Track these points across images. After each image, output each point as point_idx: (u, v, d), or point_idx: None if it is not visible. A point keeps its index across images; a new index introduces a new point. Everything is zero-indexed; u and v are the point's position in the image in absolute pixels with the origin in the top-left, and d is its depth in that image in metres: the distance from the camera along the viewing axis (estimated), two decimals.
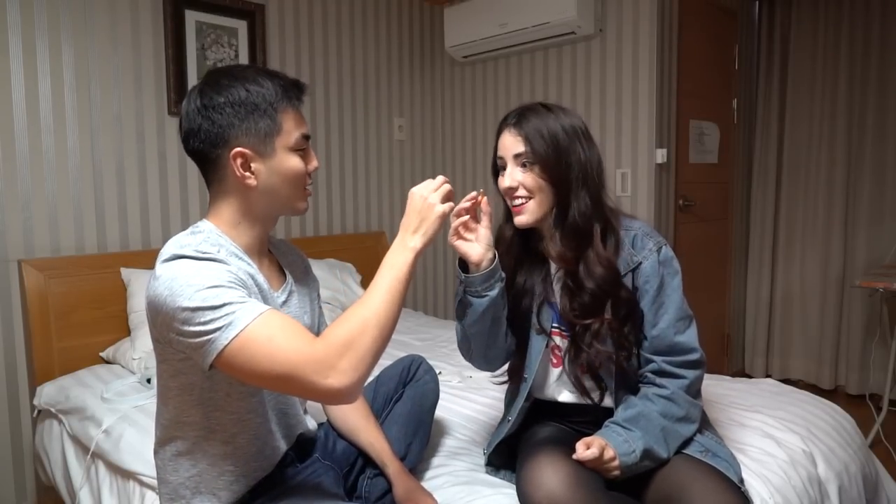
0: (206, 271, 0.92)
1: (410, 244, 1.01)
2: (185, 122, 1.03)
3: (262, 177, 1.03)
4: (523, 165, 1.19)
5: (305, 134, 1.06)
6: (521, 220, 1.21)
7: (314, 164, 1.09)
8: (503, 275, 1.22)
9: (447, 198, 1.05)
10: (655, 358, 1.20)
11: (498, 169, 1.24)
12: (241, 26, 2.58)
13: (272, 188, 1.04)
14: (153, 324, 0.97)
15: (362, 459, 1.27)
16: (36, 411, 1.99)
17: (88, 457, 1.67)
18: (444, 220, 1.04)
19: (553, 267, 1.27)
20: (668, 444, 1.15)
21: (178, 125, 1.06)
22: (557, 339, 1.28)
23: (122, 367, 2.06)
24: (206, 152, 1.03)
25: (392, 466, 1.22)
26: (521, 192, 1.19)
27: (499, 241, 1.27)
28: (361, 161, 3.11)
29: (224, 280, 0.93)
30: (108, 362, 2.14)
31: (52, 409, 1.88)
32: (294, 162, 1.04)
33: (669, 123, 2.74)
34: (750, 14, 3.38)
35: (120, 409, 1.72)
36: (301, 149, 1.05)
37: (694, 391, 1.21)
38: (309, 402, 1.30)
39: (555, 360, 1.29)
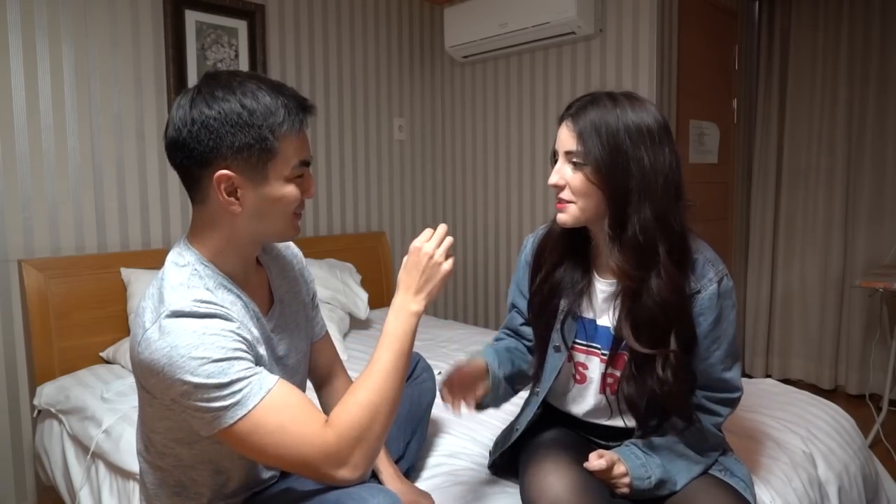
0: (209, 340, 0.85)
1: (413, 308, 0.96)
2: (171, 128, 0.91)
3: (249, 204, 0.92)
4: (574, 164, 1.07)
5: (305, 160, 0.95)
6: (561, 217, 1.12)
7: (311, 192, 0.99)
8: (500, 376, 1.19)
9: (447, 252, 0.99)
10: (697, 392, 1.14)
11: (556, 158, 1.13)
12: (241, 26, 2.58)
13: (260, 216, 0.94)
14: (144, 381, 0.90)
15: None
16: (36, 411, 1.99)
17: (88, 457, 1.67)
18: (449, 277, 1.00)
19: (599, 281, 1.17)
20: (686, 476, 1.11)
21: (164, 129, 0.94)
22: (582, 357, 1.20)
23: (122, 367, 2.06)
24: (189, 169, 0.92)
25: (385, 472, 1.21)
26: (567, 193, 1.09)
27: (549, 236, 1.22)
28: (361, 161, 3.11)
29: (230, 348, 0.86)
30: (108, 362, 2.14)
31: (53, 409, 1.88)
32: (288, 191, 0.93)
33: (669, 123, 2.73)
34: (750, 14, 3.38)
35: (120, 409, 1.71)
36: (299, 176, 0.95)
37: (721, 424, 1.18)
38: None
39: (578, 377, 1.22)
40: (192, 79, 2.43)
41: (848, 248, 3.14)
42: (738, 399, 1.18)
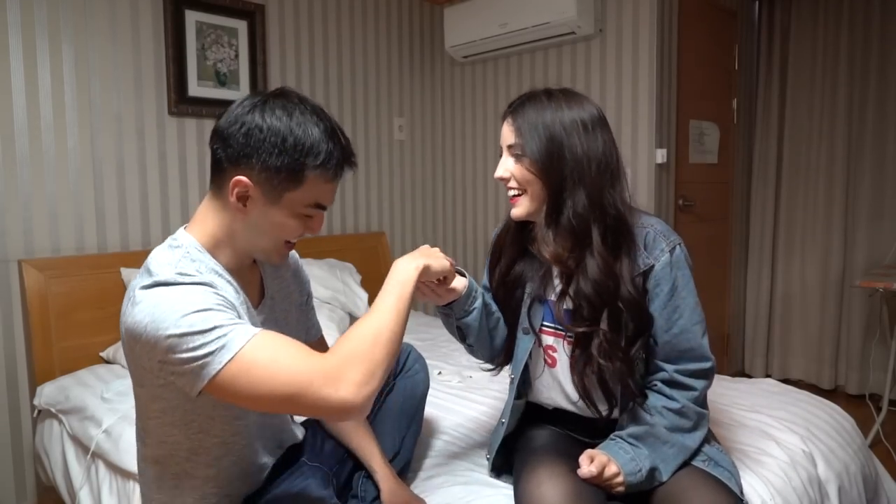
0: (190, 295, 0.86)
1: (414, 264, 1.01)
2: (225, 118, 0.95)
3: (253, 216, 0.96)
4: (516, 157, 1.15)
5: (322, 205, 0.98)
6: (514, 212, 1.18)
7: (316, 230, 1.01)
8: (477, 287, 1.25)
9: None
10: (666, 367, 1.14)
11: None
12: (241, 26, 2.58)
13: (257, 231, 0.97)
14: (130, 351, 0.91)
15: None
16: (36, 411, 1.99)
17: (88, 457, 1.67)
18: (446, 271, 1.10)
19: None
20: (673, 463, 1.11)
21: (221, 114, 0.97)
22: (550, 340, 1.23)
23: (122, 367, 2.06)
24: (219, 159, 0.96)
25: (380, 472, 1.21)
26: (513, 183, 1.16)
27: (506, 230, 1.28)
28: (361, 161, 3.11)
29: (211, 303, 0.87)
30: (108, 362, 2.14)
31: (53, 409, 1.88)
32: (290, 223, 0.97)
33: (669, 123, 2.74)
34: (750, 14, 3.38)
35: (120, 409, 1.71)
36: (308, 215, 0.99)
37: (702, 400, 1.16)
38: None
39: (549, 361, 1.24)
40: (192, 79, 2.44)
41: (848, 248, 3.14)
42: (712, 371, 1.16)
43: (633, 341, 1.12)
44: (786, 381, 2.96)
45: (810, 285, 3.26)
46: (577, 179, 1.11)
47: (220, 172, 0.97)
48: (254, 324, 0.99)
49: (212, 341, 0.83)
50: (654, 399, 1.15)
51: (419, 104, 3.39)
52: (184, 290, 0.87)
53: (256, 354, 0.84)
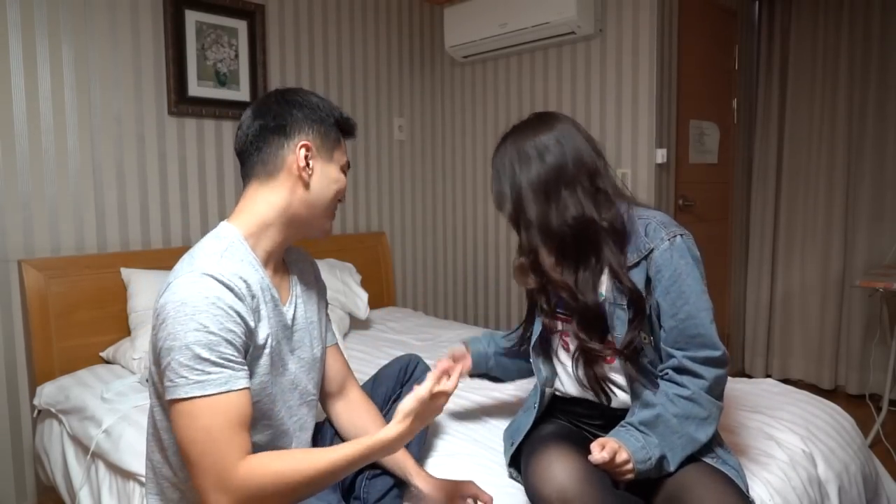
0: (214, 310, 0.92)
1: (400, 429, 0.94)
2: (259, 103, 1.10)
3: (315, 178, 1.09)
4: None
5: (349, 162, 1.16)
6: None
7: (344, 194, 1.16)
8: (486, 351, 1.48)
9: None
10: (675, 353, 1.15)
11: None
12: (241, 26, 2.58)
13: (316, 196, 1.09)
14: (154, 329, 0.97)
15: None
16: (36, 411, 1.99)
17: (88, 457, 1.67)
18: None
19: None
20: (680, 454, 1.11)
21: (250, 110, 1.11)
22: (563, 325, 1.29)
23: (122, 367, 2.06)
24: (269, 136, 1.07)
25: (412, 470, 1.20)
26: None
27: None
28: (361, 161, 3.11)
29: (227, 328, 0.94)
30: (108, 362, 2.14)
31: (52, 409, 1.88)
32: (341, 178, 1.13)
33: (669, 123, 2.74)
34: (750, 14, 3.38)
35: (120, 409, 1.71)
36: (344, 172, 1.14)
37: (717, 393, 1.15)
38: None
39: (564, 345, 1.30)
40: (193, 79, 2.44)
41: (848, 248, 3.14)
42: (722, 360, 1.15)
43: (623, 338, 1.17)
44: (786, 381, 2.96)
45: (810, 285, 3.26)
46: (522, 213, 1.20)
47: (275, 151, 1.07)
48: (280, 322, 1.08)
49: (198, 371, 0.91)
50: (665, 386, 1.15)
51: (419, 104, 3.39)
52: (215, 296, 0.94)
53: (204, 413, 0.90)
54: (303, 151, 1.07)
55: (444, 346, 2.35)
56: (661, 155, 2.64)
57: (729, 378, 1.89)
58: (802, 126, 3.26)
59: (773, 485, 1.26)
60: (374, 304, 2.87)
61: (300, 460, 0.93)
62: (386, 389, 1.41)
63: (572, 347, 1.26)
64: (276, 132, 1.08)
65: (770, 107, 3.37)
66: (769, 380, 1.86)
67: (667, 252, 1.15)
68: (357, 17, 3.06)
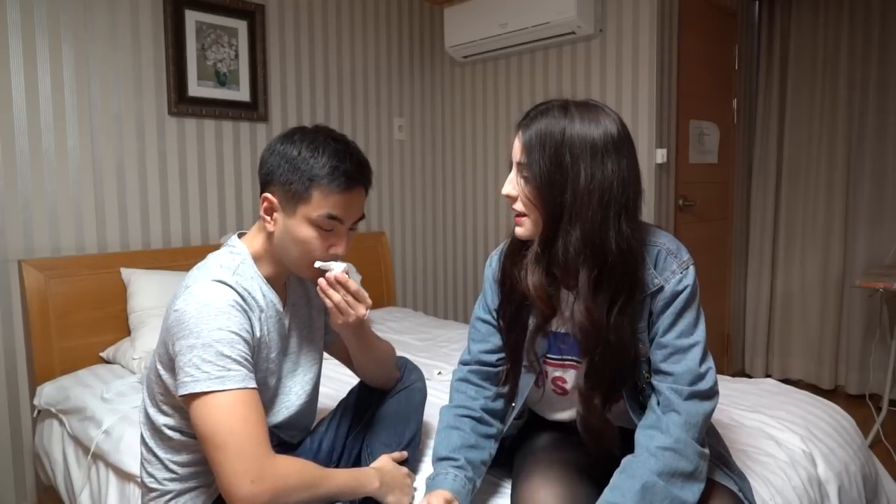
0: (233, 313, 1.00)
1: (376, 485, 1.09)
2: (267, 147, 1.13)
3: (278, 230, 1.09)
4: (524, 178, 1.04)
5: (333, 215, 1.06)
6: (518, 231, 1.09)
7: (337, 249, 1.10)
8: (466, 481, 1.11)
9: None
10: (661, 385, 1.06)
11: None
12: (241, 26, 2.58)
13: (283, 244, 1.10)
14: (168, 337, 1.02)
15: (347, 449, 1.30)
16: (36, 411, 1.99)
17: (89, 457, 1.67)
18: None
19: (565, 292, 1.10)
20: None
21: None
22: (558, 371, 1.17)
23: (123, 367, 2.06)
24: (261, 181, 1.12)
25: (379, 461, 1.21)
26: (518, 205, 1.06)
27: (512, 245, 1.16)
28: None
29: (245, 328, 1.02)
30: (108, 362, 2.14)
31: (53, 409, 1.88)
32: (305, 233, 1.07)
33: (669, 123, 2.74)
34: (750, 14, 3.38)
35: (120, 410, 1.71)
36: (325, 228, 1.07)
37: (701, 435, 1.04)
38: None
39: (558, 391, 1.19)
40: (193, 79, 2.44)
41: (848, 248, 3.14)
42: (709, 393, 1.05)
43: (617, 378, 1.08)
44: (786, 381, 2.96)
45: (810, 285, 3.26)
46: (575, 214, 1.00)
47: (261, 195, 1.12)
48: (280, 331, 1.15)
49: (219, 367, 0.96)
50: (645, 439, 1.04)
51: (419, 104, 3.39)
52: (234, 301, 1.02)
53: (237, 406, 0.95)
54: (265, 204, 1.10)
55: (443, 346, 2.35)
56: (661, 155, 2.64)
57: (729, 378, 1.91)
58: (802, 126, 3.26)
59: (773, 484, 1.26)
60: (373, 303, 2.85)
61: (314, 467, 1.03)
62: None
63: (571, 387, 1.15)
64: (261, 177, 1.12)
65: (770, 107, 3.37)
66: (769, 380, 1.86)
67: (678, 286, 1.07)
68: (357, 18, 3.06)
